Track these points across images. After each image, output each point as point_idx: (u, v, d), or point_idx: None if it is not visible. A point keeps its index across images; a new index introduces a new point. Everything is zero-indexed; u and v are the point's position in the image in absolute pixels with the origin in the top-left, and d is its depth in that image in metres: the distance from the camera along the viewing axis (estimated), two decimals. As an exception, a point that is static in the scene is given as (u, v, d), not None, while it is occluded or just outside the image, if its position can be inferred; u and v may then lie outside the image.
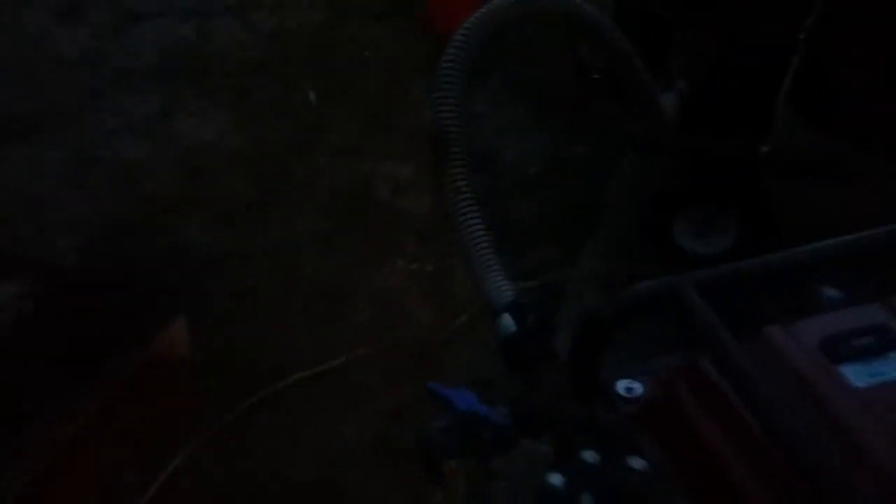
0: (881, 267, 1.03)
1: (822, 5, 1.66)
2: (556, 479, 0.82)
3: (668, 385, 0.94)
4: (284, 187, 2.38)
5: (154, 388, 1.76)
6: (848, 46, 1.81)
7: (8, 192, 2.33)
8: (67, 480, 1.58)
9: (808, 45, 1.77)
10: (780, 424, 0.77)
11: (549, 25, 2.29)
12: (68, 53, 2.90)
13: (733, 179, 1.88)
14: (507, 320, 0.95)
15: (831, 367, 0.89)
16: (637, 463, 0.84)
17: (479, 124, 2.68)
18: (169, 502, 1.60)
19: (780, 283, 1.14)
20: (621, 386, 0.97)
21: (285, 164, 2.47)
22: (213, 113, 2.67)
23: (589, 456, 0.85)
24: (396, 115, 2.66)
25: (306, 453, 1.69)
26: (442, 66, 1.03)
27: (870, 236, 0.99)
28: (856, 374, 0.90)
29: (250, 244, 2.19)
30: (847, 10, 1.70)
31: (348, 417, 1.75)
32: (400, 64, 2.89)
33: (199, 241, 2.21)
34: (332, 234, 2.23)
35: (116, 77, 2.82)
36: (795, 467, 0.73)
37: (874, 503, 0.77)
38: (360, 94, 2.78)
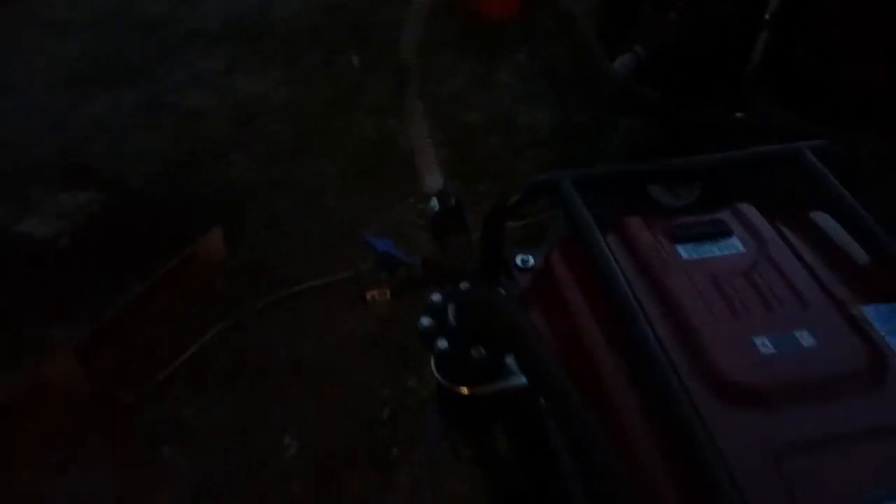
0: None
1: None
2: (426, 320, 1.15)
3: (548, 259, 1.25)
4: (321, 136, 2.74)
5: (190, 282, 2.14)
6: (810, 30, 2.05)
7: (89, 128, 2.75)
8: (113, 344, 1.96)
9: (773, 26, 2.01)
10: (616, 288, 1.06)
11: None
12: (146, 18, 3.33)
13: (699, 141, 2.12)
14: (434, 202, 1.27)
15: (670, 245, 1.19)
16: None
17: (500, 92, 3.00)
18: (196, 368, 1.96)
19: (640, 186, 1.46)
20: (518, 259, 1.29)
21: (324, 116, 2.83)
22: (267, 71, 3.05)
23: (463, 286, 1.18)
24: (427, 82, 2.98)
25: (311, 340, 2.03)
26: (409, 14, 1.37)
27: (708, 158, 1.31)
28: (686, 251, 1.19)
29: (285, 179, 2.55)
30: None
31: (349, 318, 2.09)
32: (436, 39, 3.22)
33: (244, 174, 2.58)
34: (356, 175, 2.57)
35: (187, 38, 3.23)
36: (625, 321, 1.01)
37: (679, 342, 1.07)
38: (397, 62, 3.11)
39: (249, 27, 3.27)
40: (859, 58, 1.95)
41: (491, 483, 1.36)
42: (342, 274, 2.19)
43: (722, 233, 1.21)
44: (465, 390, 1.17)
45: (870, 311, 1.08)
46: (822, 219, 1.19)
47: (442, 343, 1.14)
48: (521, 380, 1.17)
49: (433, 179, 1.30)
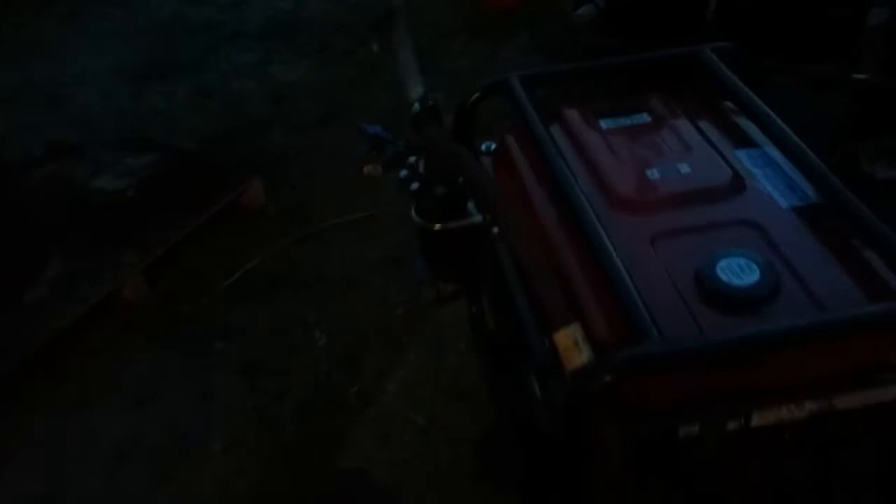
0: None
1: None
2: (403, 172, 1.54)
3: (502, 142, 1.63)
4: (345, 109, 3.14)
5: (236, 222, 2.55)
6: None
7: (149, 111, 3.21)
8: (173, 267, 2.38)
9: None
10: (543, 145, 1.43)
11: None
12: (195, 22, 3.81)
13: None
14: (416, 105, 1.66)
15: (594, 120, 1.57)
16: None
17: (504, 67, 3.38)
18: (242, 287, 2.36)
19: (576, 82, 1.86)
20: (483, 145, 1.69)
21: (348, 93, 3.24)
22: (299, 61, 3.48)
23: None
24: (438, 61, 3.38)
25: (336, 262, 2.42)
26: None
27: (630, 57, 1.70)
28: (605, 123, 1.57)
29: (316, 143, 2.95)
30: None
31: (370, 245, 2.47)
32: (449, 27, 3.63)
33: (281, 141, 3.00)
34: (377, 138, 2.97)
35: (230, 37, 3.69)
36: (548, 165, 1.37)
37: (592, 177, 1.43)
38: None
39: (285, 26, 3.72)
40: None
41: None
42: (363, 214, 2.59)
43: (635, 109, 1.58)
44: (437, 226, 1.55)
45: (741, 153, 1.44)
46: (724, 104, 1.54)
47: (414, 185, 1.53)
48: (479, 217, 1.54)
49: (416, 89, 1.70)
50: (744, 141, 1.48)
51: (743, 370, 1.12)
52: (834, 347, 1.13)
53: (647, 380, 1.10)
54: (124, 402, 2.05)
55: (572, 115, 1.60)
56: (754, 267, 1.19)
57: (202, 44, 3.66)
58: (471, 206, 1.52)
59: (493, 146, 1.69)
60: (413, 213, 1.59)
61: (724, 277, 1.18)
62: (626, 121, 1.57)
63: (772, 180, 1.38)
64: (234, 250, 2.48)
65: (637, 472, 1.17)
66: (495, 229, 1.35)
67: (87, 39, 3.70)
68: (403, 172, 1.52)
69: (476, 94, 1.70)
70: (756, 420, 1.14)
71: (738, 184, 1.39)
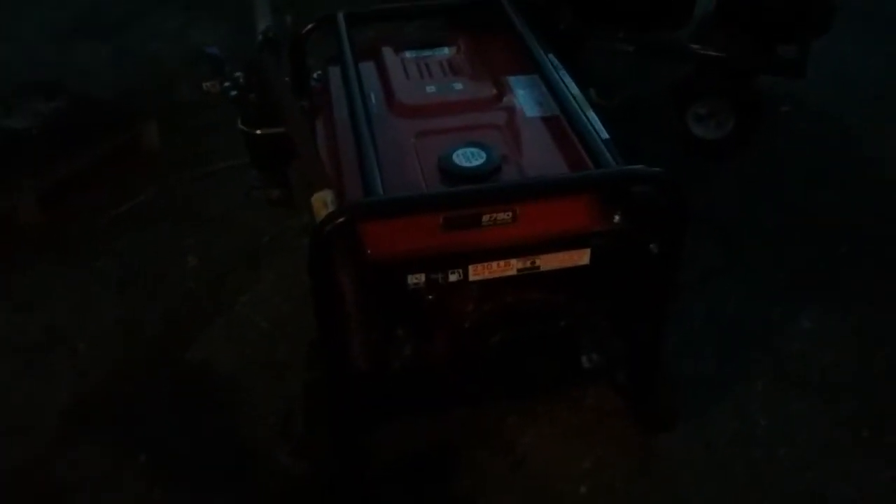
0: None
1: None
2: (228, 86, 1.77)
3: (324, 74, 1.88)
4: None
5: (132, 162, 2.79)
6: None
7: (68, 67, 3.42)
8: (65, 196, 2.60)
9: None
10: (347, 72, 1.68)
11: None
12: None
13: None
14: (260, 37, 1.91)
15: (401, 51, 1.83)
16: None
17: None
18: (130, 216, 2.59)
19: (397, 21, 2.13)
20: (315, 75, 1.94)
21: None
22: (218, 27, 3.71)
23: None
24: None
25: (218, 200, 2.66)
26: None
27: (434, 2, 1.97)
28: (410, 54, 1.83)
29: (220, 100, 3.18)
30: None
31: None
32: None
33: (188, 97, 3.22)
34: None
35: (157, 3, 3.93)
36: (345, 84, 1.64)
37: (384, 93, 1.69)
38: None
39: (208, -4, 3.96)
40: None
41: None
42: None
43: (438, 44, 1.85)
44: (259, 132, 1.80)
45: (512, 78, 1.71)
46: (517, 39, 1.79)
47: (233, 93, 1.77)
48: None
49: (262, 22, 1.95)
50: (520, 69, 1.75)
51: (462, 233, 1.39)
52: (536, 214, 1.39)
53: (381, 234, 1.36)
54: (7, 305, 2.27)
55: (386, 48, 1.87)
56: (483, 154, 1.45)
57: (130, 9, 3.89)
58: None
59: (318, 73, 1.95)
60: (239, 122, 1.84)
61: (456, 161, 1.45)
62: (428, 52, 1.84)
63: (527, 98, 1.65)
64: (126, 185, 2.71)
65: (378, 316, 1.43)
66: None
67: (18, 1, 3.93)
68: (227, 84, 1.77)
69: (308, 27, 1.96)
70: (472, 273, 1.40)
71: (496, 98, 1.65)
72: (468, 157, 1.44)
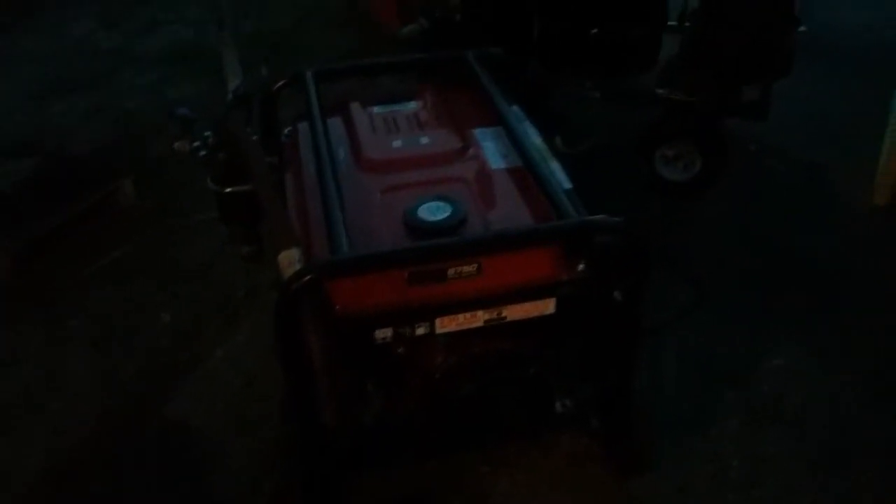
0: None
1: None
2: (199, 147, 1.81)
3: (294, 127, 1.91)
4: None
5: (107, 219, 2.80)
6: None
7: (44, 125, 3.45)
8: (40, 254, 2.61)
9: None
10: (315, 128, 1.72)
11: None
12: (102, 46, 4.10)
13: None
14: (231, 95, 1.95)
15: (368, 108, 1.86)
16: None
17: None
18: (104, 273, 2.60)
19: (369, 76, 2.17)
20: (286, 131, 1.96)
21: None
22: (192, 83, 3.75)
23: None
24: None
25: (193, 253, 2.67)
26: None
27: (409, 56, 2.01)
28: (378, 109, 1.87)
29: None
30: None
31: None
32: (345, 48, 3.95)
33: (162, 152, 3.24)
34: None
35: (132, 61, 3.98)
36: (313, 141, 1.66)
37: (352, 147, 1.72)
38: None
39: (185, 52, 4.01)
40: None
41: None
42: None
43: (405, 98, 1.88)
44: (228, 190, 1.82)
45: (478, 130, 1.74)
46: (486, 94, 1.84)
47: (202, 153, 1.80)
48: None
49: (233, 81, 1.99)
50: (485, 121, 1.78)
51: (428, 287, 1.40)
52: (501, 265, 1.41)
53: (348, 290, 1.37)
54: (-20, 369, 2.26)
55: (354, 104, 1.90)
56: (448, 208, 1.48)
57: (106, 66, 3.93)
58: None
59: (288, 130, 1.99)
60: (209, 180, 1.86)
61: (421, 215, 1.47)
62: (396, 107, 1.88)
63: (492, 150, 1.69)
64: (102, 242, 2.72)
65: (347, 371, 1.44)
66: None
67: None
68: (196, 144, 1.80)
69: (278, 84, 2.00)
70: (439, 326, 1.42)
71: (462, 151, 1.69)
72: (433, 211, 1.47)
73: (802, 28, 2.61)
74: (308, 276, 1.28)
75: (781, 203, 2.79)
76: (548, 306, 1.44)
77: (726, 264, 2.53)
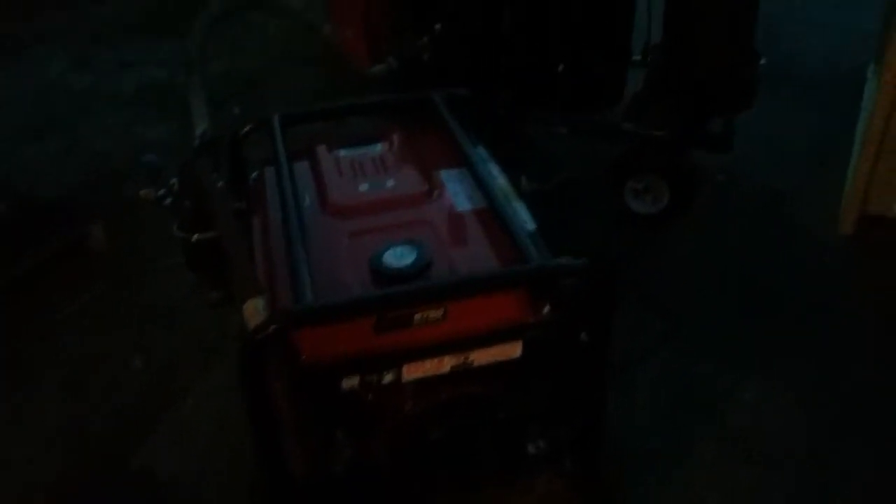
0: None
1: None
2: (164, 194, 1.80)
3: (260, 174, 1.91)
4: (200, 163, 3.41)
5: (79, 262, 2.78)
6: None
7: (16, 167, 3.43)
8: (10, 300, 2.58)
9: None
10: (281, 173, 1.72)
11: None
12: (75, 87, 4.09)
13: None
14: (197, 141, 1.94)
15: (335, 151, 1.86)
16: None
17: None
18: (76, 317, 2.57)
19: (334, 119, 2.17)
20: (253, 174, 1.96)
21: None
22: (164, 123, 3.75)
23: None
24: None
25: (164, 296, 2.65)
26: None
27: (373, 98, 2.02)
28: (345, 152, 1.87)
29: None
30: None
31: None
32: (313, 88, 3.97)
33: (134, 194, 3.22)
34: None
35: (105, 100, 3.97)
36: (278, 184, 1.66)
37: (318, 192, 1.71)
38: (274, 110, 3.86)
39: (157, 92, 4.01)
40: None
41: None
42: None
43: (372, 141, 1.89)
44: (194, 238, 1.81)
45: (443, 172, 1.75)
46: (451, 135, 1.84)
47: (168, 200, 1.79)
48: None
49: (199, 127, 1.99)
50: (452, 162, 1.79)
51: (394, 332, 1.40)
52: (467, 310, 1.41)
53: (314, 338, 1.36)
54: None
55: (321, 147, 1.91)
56: (414, 252, 1.48)
57: (77, 107, 3.92)
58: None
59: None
60: (175, 228, 1.85)
61: (387, 261, 1.47)
62: (362, 150, 1.88)
63: (458, 192, 1.69)
64: (72, 286, 2.70)
65: (315, 420, 1.42)
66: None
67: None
68: (161, 192, 1.79)
69: (245, 129, 2.00)
70: (406, 373, 1.41)
71: (428, 193, 1.69)
72: (399, 256, 1.46)
73: (763, 61, 2.67)
74: (271, 327, 1.27)
75: (750, 233, 2.83)
76: (515, 350, 1.43)
77: (697, 296, 2.55)
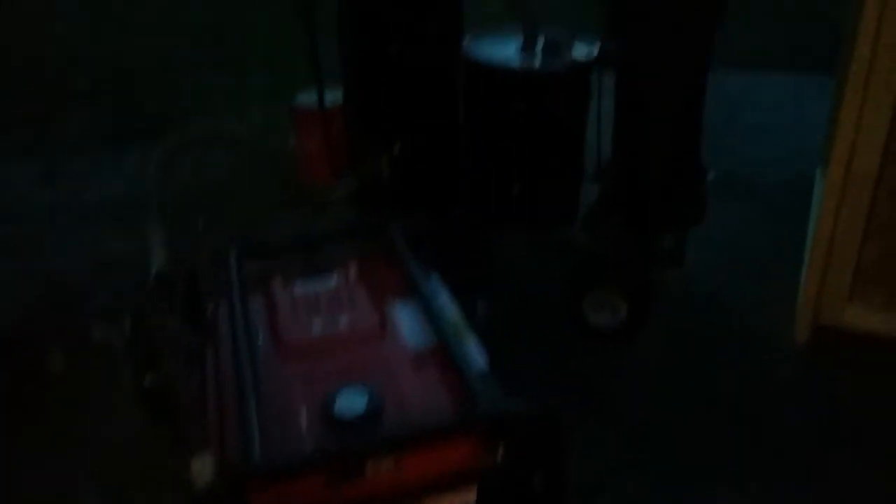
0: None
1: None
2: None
3: (215, 307, 1.91)
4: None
5: (33, 385, 2.73)
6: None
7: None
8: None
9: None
10: (233, 310, 1.73)
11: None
12: (36, 204, 4.11)
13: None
14: (153, 275, 1.96)
15: (290, 286, 1.88)
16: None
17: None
18: (31, 446, 2.50)
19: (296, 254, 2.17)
20: (210, 307, 1.96)
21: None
22: (125, 237, 3.75)
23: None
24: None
25: (128, 421, 2.60)
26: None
27: (327, 229, 2.05)
28: (299, 284, 1.88)
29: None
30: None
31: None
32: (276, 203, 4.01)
33: (105, 307, 3.20)
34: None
35: (65, 217, 3.98)
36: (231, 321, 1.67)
37: (271, 329, 1.73)
38: (237, 223, 3.88)
39: (117, 205, 4.03)
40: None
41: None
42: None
43: (327, 270, 1.91)
44: (146, 382, 1.80)
45: (397, 305, 1.77)
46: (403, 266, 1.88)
47: (122, 343, 1.78)
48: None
49: (156, 263, 2.01)
50: (405, 294, 1.82)
51: (347, 484, 1.39)
52: (419, 457, 1.41)
53: (265, 492, 1.35)
54: None
55: (276, 279, 1.92)
56: (364, 399, 1.48)
57: (38, 224, 3.92)
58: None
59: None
60: (127, 374, 1.84)
61: (338, 409, 1.47)
62: (317, 283, 1.90)
63: (410, 328, 1.71)
64: (28, 413, 2.64)
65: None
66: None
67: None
68: (114, 339, 1.79)
69: (201, 262, 2.02)
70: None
71: (380, 331, 1.71)
72: (349, 403, 1.47)
73: (711, 175, 2.76)
74: (219, 487, 1.26)
75: (708, 345, 2.85)
76: (469, 496, 1.43)
77: (656, 411, 2.55)
